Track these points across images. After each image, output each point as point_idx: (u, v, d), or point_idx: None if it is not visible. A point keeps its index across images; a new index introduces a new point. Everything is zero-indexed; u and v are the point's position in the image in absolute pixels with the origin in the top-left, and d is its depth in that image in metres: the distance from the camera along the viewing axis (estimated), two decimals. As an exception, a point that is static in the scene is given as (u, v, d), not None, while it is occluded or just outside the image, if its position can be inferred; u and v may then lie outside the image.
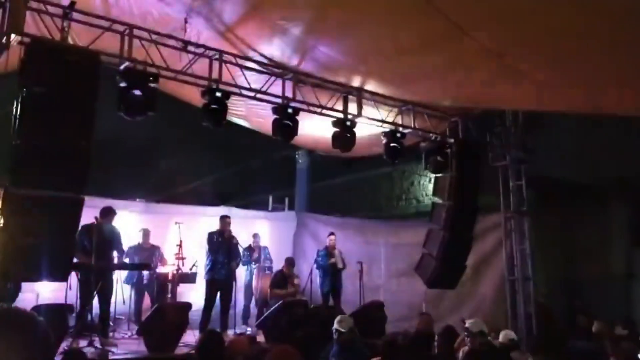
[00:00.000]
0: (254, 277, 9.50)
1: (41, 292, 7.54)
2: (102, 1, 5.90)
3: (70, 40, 5.50)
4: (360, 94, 7.57)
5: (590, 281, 9.60)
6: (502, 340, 5.48)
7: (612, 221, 9.95)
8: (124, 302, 7.95)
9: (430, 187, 9.69)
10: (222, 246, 8.10)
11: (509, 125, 8.92)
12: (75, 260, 6.10)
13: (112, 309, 7.34)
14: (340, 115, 7.46)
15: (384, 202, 13.19)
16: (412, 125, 8.05)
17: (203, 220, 9.44)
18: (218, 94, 6.33)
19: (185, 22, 6.23)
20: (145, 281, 8.50)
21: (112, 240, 7.38)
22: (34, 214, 4.85)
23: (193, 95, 7.06)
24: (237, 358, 4.01)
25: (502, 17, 4.68)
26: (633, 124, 8.20)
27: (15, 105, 4.84)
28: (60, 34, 5.30)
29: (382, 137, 7.85)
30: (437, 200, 8.61)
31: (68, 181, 5.05)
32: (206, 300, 7.98)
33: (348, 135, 7.46)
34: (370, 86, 7.51)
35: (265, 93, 6.93)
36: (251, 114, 8.44)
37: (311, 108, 7.34)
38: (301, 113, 7.08)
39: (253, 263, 9.48)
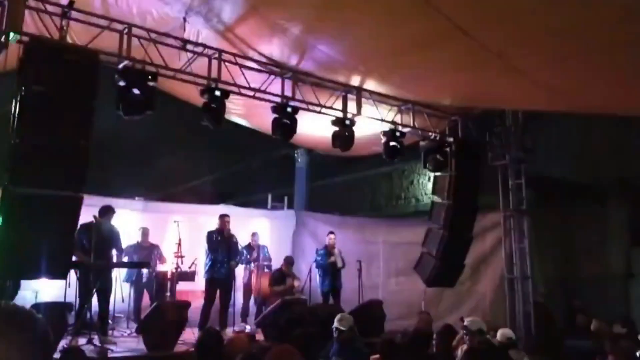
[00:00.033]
0: (252, 275, 9.49)
1: (40, 290, 7.53)
2: (101, 0, 5.89)
3: (69, 40, 5.52)
4: (359, 93, 7.56)
5: (590, 280, 9.61)
6: (500, 339, 5.47)
7: (612, 221, 9.94)
8: (123, 300, 7.95)
9: (430, 186, 9.69)
10: (221, 245, 8.10)
11: (508, 125, 8.93)
12: (74, 258, 6.11)
13: (111, 307, 7.32)
14: (340, 114, 7.46)
15: (383, 201, 13.19)
16: (412, 124, 8.05)
17: (202, 219, 9.43)
18: (217, 93, 6.33)
19: (184, 21, 6.23)
20: (144, 279, 8.49)
21: (111, 238, 7.37)
22: (33, 212, 4.86)
23: (192, 94, 7.06)
24: (236, 356, 4.00)
25: (502, 17, 4.68)
26: (633, 124, 8.22)
27: (14, 104, 4.84)
28: (59, 33, 5.30)
29: (381, 136, 7.85)
30: (436, 199, 8.61)
31: (67, 180, 5.06)
32: (206, 298, 7.99)
33: (347, 134, 7.45)
34: (370, 85, 7.50)
35: (264, 92, 6.93)
36: (251, 113, 8.44)
37: (310, 107, 7.34)
38: (300, 112, 7.08)
39: (252, 262, 9.47)
